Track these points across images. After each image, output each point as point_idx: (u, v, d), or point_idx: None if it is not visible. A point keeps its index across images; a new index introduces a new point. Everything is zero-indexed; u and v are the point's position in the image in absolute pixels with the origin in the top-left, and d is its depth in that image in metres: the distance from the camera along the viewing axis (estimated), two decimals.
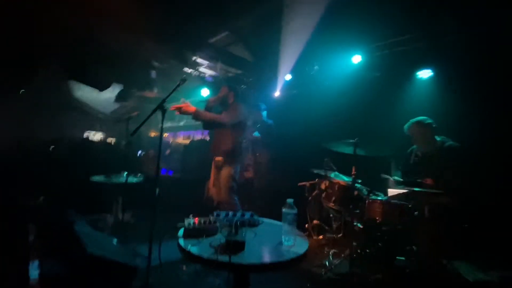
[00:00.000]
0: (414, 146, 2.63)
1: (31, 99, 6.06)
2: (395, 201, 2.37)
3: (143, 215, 3.88)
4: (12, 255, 2.28)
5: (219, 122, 2.72)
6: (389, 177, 2.65)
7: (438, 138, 2.44)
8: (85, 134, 8.06)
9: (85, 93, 6.58)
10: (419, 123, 2.48)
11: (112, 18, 3.22)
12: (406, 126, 2.56)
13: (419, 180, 2.37)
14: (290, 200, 1.42)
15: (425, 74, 3.30)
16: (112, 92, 5.16)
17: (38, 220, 2.64)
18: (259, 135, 4.00)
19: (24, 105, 6.06)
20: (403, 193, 2.57)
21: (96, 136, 7.97)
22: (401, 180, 2.55)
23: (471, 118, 2.79)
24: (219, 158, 2.86)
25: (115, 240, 2.48)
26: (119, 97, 5.15)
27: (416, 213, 2.25)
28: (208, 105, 2.92)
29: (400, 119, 2.89)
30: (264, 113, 4.17)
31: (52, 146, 4.31)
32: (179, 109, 2.34)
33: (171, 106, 2.20)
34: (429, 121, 2.45)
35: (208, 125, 2.98)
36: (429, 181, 2.33)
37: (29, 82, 4.81)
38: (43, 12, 3.22)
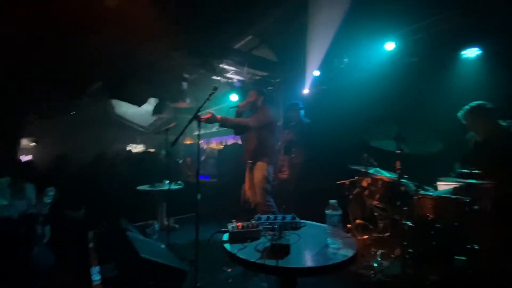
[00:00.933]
0: (472, 132, 2.36)
1: (79, 118, 6.77)
2: (449, 195, 2.16)
3: (186, 220, 4.08)
4: (76, 261, 2.54)
5: (245, 125, 2.83)
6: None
7: (503, 123, 2.15)
8: (128, 147, 8.74)
9: (125, 109, 7.15)
10: (479, 108, 2.19)
11: (147, 37, 3.46)
12: (461, 114, 2.28)
13: (476, 171, 2.12)
14: (333, 201, 1.37)
15: (471, 53, 2.97)
16: (148, 106, 5.52)
17: (96, 229, 2.91)
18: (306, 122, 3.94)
19: (73, 124, 6.80)
20: (458, 186, 2.32)
21: (137, 148, 8.60)
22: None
23: None
24: (250, 161, 2.90)
25: (163, 245, 2.63)
26: (156, 110, 5.51)
27: (476, 207, 2.02)
28: (239, 110, 2.98)
29: (446, 107, 2.62)
30: (302, 112, 4.00)
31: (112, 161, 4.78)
32: (207, 119, 2.49)
33: (202, 116, 2.35)
34: (490, 105, 2.17)
35: (237, 130, 3.05)
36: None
37: (79, 103, 5.36)
38: (88, 36, 3.56)
